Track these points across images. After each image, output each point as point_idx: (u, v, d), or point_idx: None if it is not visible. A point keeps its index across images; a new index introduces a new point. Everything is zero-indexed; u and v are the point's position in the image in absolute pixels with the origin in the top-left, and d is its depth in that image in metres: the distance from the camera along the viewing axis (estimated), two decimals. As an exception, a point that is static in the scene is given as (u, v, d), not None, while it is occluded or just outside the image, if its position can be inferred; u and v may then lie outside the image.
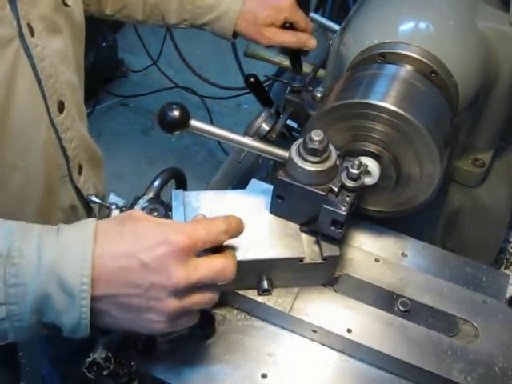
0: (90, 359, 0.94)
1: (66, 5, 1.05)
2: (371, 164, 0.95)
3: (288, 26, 1.26)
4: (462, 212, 1.21)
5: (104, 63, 3.40)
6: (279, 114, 1.14)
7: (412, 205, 1.00)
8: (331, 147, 0.88)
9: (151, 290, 0.71)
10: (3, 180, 1.01)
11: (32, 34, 0.96)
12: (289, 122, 1.16)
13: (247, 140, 0.89)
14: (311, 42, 1.27)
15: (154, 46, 3.36)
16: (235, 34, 1.32)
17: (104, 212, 1.28)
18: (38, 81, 0.99)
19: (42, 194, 1.08)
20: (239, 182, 1.37)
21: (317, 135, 0.85)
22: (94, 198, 0.94)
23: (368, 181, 0.96)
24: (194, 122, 0.84)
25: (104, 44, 3.38)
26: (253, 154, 1.39)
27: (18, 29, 0.93)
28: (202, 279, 0.73)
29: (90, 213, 1.23)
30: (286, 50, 1.32)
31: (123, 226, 0.74)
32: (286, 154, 0.88)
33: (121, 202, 0.96)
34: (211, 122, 3.29)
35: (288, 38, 1.26)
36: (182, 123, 0.83)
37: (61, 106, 1.05)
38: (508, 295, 1.10)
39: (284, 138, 1.24)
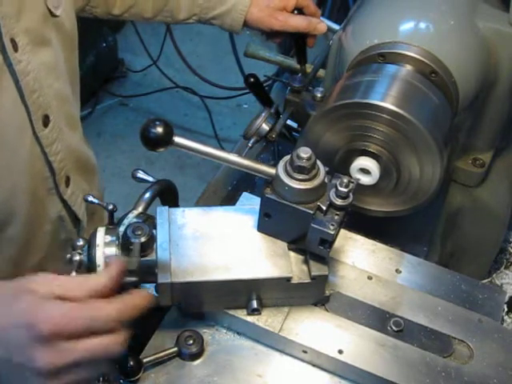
0: None
1: (54, 15, 1.03)
2: (371, 164, 0.95)
3: (297, 12, 1.28)
4: (462, 212, 1.20)
5: (104, 63, 3.39)
6: (279, 114, 1.14)
7: (412, 204, 1.00)
8: (319, 164, 0.85)
9: (17, 369, 0.72)
10: None
11: (15, 49, 0.94)
12: (289, 121, 1.16)
13: (233, 157, 0.86)
14: (322, 26, 1.27)
15: (154, 46, 3.35)
16: (243, 25, 1.31)
17: (93, 224, 1.27)
18: (22, 96, 0.98)
19: (28, 206, 1.06)
20: (239, 182, 1.37)
21: (304, 152, 0.82)
22: (90, 198, 0.94)
23: (368, 181, 0.96)
24: (177, 139, 0.82)
25: (104, 44, 3.37)
26: (253, 155, 1.39)
27: (0, 45, 0.92)
28: (74, 362, 0.72)
29: (77, 224, 1.21)
30: (292, 40, 1.31)
31: (10, 298, 0.74)
32: (272, 171, 0.85)
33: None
34: (211, 122, 3.30)
35: (300, 22, 1.26)
36: (166, 140, 0.81)
37: (46, 120, 1.03)
38: (508, 295, 1.10)
39: (284, 138, 1.24)
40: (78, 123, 1.21)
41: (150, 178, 1.00)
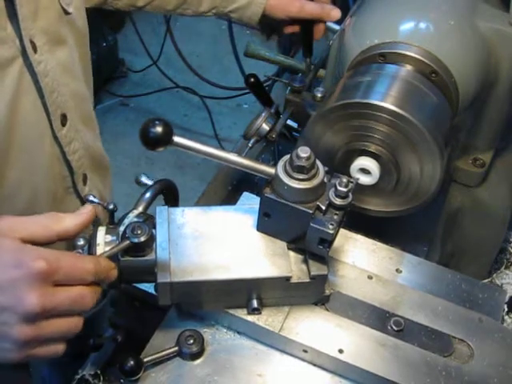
0: (78, 376, 0.93)
1: (67, 12, 1.04)
2: (371, 164, 0.95)
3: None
4: (462, 212, 1.20)
5: (104, 63, 3.39)
6: (279, 114, 1.14)
7: (412, 205, 1.00)
8: (318, 164, 0.85)
9: (1, 313, 0.68)
10: (10, 196, 1.00)
11: (35, 50, 0.95)
12: (289, 121, 1.16)
13: (232, 156, 0.85)
14: (335, 12, 1.28)
15: (154, 46, 3.36)
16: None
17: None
18: (41, 97, 0.98)
19: (48, 207, 1.07)
20: (239, 182, 1.37)
21: (303, 152, 0.82)
22: (91, 198, 0.94)
23: (368, 181, 0.96)
24: (177, 139, 0.82)
25: (104, 44, 3.37)
26: (253, 155, 1.39)
27: (20, 47, 0.92)
28: (58, 306, 0.70)
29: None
30: (300, 30, 1.32)
31: None
32: (272, 170, 0.85)
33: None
34: (211, 122, 3.30)
35: (315, 8, 1.28)
36: (165, 140, 0.80)
37: (63, 120, 1.04)
38: (508, 295, 1.10)
39: (284, 138, 1.24)
40: (93, 121, 1.22)
41: (152, 183, 1.00)
